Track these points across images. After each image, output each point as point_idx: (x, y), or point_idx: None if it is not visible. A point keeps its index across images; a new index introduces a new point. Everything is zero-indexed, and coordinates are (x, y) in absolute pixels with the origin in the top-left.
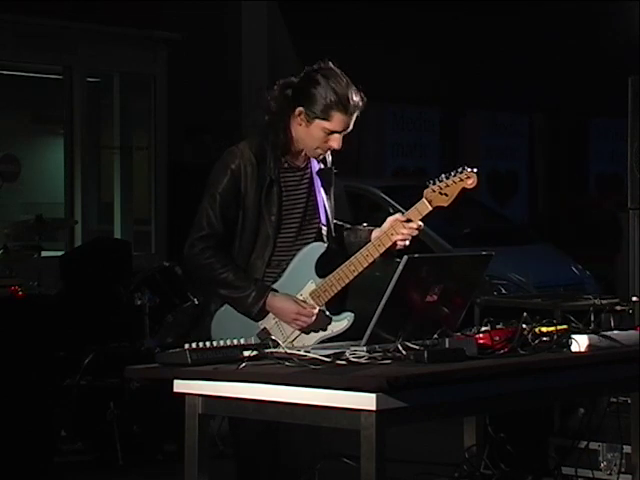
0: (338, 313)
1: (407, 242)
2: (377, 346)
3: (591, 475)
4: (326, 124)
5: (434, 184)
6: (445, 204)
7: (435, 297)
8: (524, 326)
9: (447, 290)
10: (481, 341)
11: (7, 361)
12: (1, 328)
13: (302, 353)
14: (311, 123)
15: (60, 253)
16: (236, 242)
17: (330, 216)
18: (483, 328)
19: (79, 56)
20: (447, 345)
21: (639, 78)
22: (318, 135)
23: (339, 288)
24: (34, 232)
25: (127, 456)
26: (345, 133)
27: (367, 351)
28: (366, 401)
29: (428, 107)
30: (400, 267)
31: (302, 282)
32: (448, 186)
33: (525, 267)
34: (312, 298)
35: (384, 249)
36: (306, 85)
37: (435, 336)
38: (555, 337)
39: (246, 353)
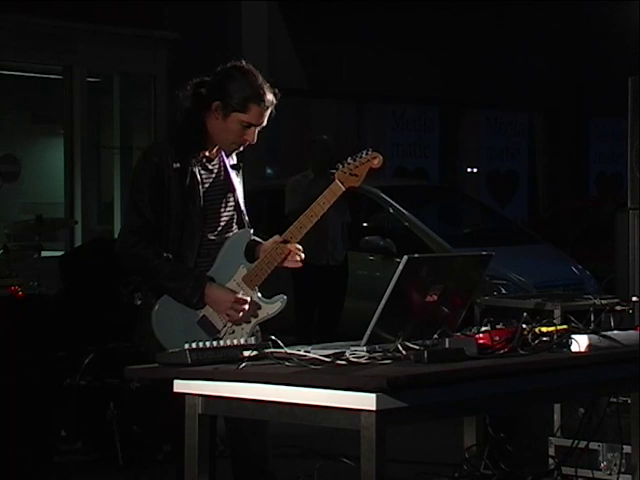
0: (270, 297)
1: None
2: (377, 346)
3: (591, 475)
4: (243, 116)
5: (344, 167)
6: (356, 184)
7: (435, 297)
8: (524, 326)
9: (447, 290)
10: (481, 341)
11: (7, 361)
12: (1, 328)
13: (302, 353)
14: (228, 116)
15: (60, 253)
16: (165, 234)
17: (243, 206)
18: (483, 328)
19: (79, 56)
20: (447, 345)
21: (639, 78)
22: (235, 128)
23: (269, 271)
24: (34, 232)
25: (127, 456)
26: (260, 128)
27: (367, 351)
28: (366, 401)
29: (428, 107)
30: (400, 267)
31: (234, 268)
32: (357, 167)
33: (525, 267)
34: (245, 283)
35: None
36: (222, 80)
37: (435, 336)
38: (555, 337)
39: (246, 353)
